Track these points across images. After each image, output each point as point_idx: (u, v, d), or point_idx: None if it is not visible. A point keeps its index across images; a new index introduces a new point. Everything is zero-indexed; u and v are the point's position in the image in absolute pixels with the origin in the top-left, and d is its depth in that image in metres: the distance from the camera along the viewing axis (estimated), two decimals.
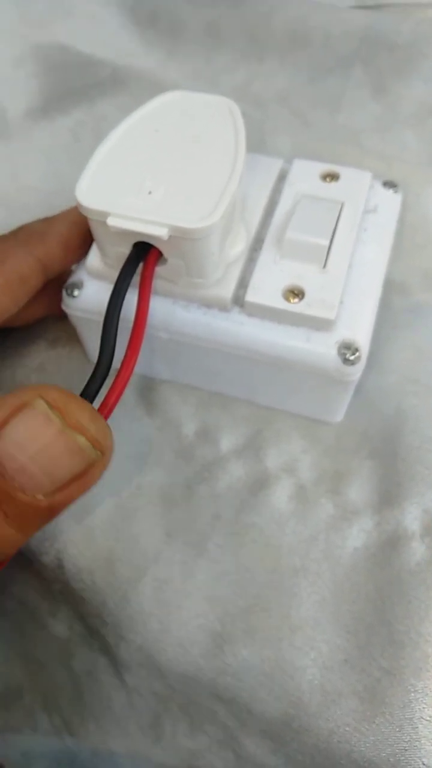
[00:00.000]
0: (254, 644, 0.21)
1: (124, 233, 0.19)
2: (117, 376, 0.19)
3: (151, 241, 0.20)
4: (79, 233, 0.23)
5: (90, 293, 0.23)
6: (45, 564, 0.24)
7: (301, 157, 0.26)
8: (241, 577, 0.22)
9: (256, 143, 0.32)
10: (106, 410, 0.18)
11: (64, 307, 0.24)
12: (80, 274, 0.23)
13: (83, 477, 0.17)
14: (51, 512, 0.17)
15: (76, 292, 0.23)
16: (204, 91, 0.23)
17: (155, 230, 0.19)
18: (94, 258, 0.23)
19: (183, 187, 0.20)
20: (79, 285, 0.23)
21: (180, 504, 0.23)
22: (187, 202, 0.19)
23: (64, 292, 0.23)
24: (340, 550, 0.22)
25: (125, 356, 0.19)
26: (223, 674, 0.22)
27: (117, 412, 0.26)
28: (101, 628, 0.24)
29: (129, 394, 0.26)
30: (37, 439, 0.16)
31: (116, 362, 0.20)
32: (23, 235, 0.22)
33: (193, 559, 0.23)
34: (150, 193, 0.20)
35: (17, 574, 0.27)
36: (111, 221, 0.19)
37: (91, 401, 0.18)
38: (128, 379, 0.19)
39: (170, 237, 0.19)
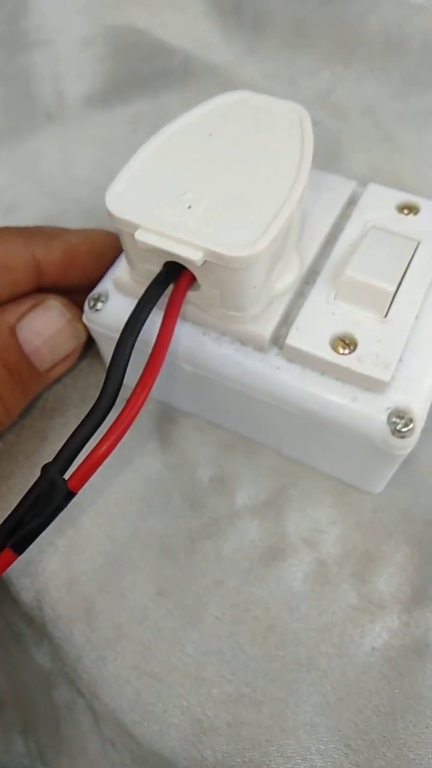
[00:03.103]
0: (238, 741, 0.18)
1: (154, 250, 0.17)
2: (122, 412, 0.16)
3: (184, 264, 0.17)
4: (91, 251, 0.21)
5: (113, 308, 0.20)
6: (24, 602, 0.21)
7: (378, 178, 0.23)
8: (234, 659, 0.19)
9: (329, 157, 0.29)
10: (101, 451, 0.16)
11: (84, 320, 0.21)
12: (105, 286, 0.21)
13: (71, 355, 0.22)
14: (46, 382, 0.22)
15: (99, 306, 0.20)
16: (281, 94, 0.20)
17: (188, 252, 0.16)
18: (122, 270, 0.20)
19: (229, 204, 0.17)
20: (102, 298, 0.20)
21: (179, 560, 0.21)
22: (231, 222, 0.16)
23: (86, 304, 0.21)
24: (355, 648, 0.19)
25: (135, 390, 0.17)
26: None
27: (127, 440, 0.23)
28: (77, 680, 0.21)
29: (144, 423, 0.23)
30: (52, 327, 0.21)
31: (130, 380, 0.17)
32: (31, 231, 0.21)
33: (183, 627, 0.20)
34: (189, 207, 0.17)
35: (3, 595, 0.25)
36: (139, 235, 0.16)
37: (85, 441, 0.16)
38: (135, 416, 0.16)
39: (205, 262, 0.16)
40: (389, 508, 0.21)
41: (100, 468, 0.22)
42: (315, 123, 0.19)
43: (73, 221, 0.25)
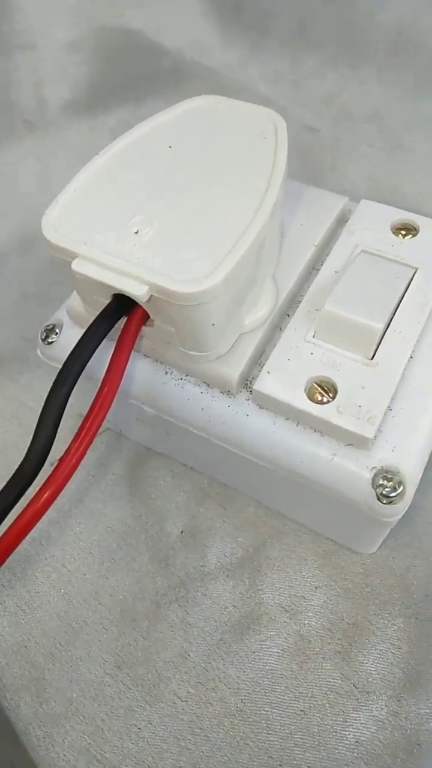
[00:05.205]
0: None
1: (96, 282, 0.14)
2: (52, 474, 0.14)
3: (132, 297, 0.14)
4: None
5: (68, 341, 0.18)
6: None
7: (380, 190, 0.20)
8: (196, 747, 0.17)
9: (324, 167, 0.26)
10: (22, 522, 0.13)
11: (39, 354, 0.19)
12: (60, 316, 0.19)
13: None
14: None
15: (52, 338, 0.18)
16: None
17: (130, 287, 0.14)
18: (75, 299, 0.18)
19: (184, 229, 0.14)
20: (57, 329, 0.18)
21: (142, 627, 0.18)
22: (183, 251, 0.14)
23: (39, 336, 0.19)
24: (336, 741, 0.16)
25: (69, 448, 0.14)
26: None
27: (92, 485, 0.21)
28: (29, 751, 0.19)
29: (112, 465, 0.21)
30: None
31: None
32: None
33: (141, 706, 0.17)
34: (137, 233, 0.14)
35: None
36: (76, 266, 0.14)
37: (7, 510, 0.14)
38: (68, 478, 0.14)
39: (152, 297, 0.14)
40: (383, 572, 0.18)
41: (60, 516, 0.20)
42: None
43: None
